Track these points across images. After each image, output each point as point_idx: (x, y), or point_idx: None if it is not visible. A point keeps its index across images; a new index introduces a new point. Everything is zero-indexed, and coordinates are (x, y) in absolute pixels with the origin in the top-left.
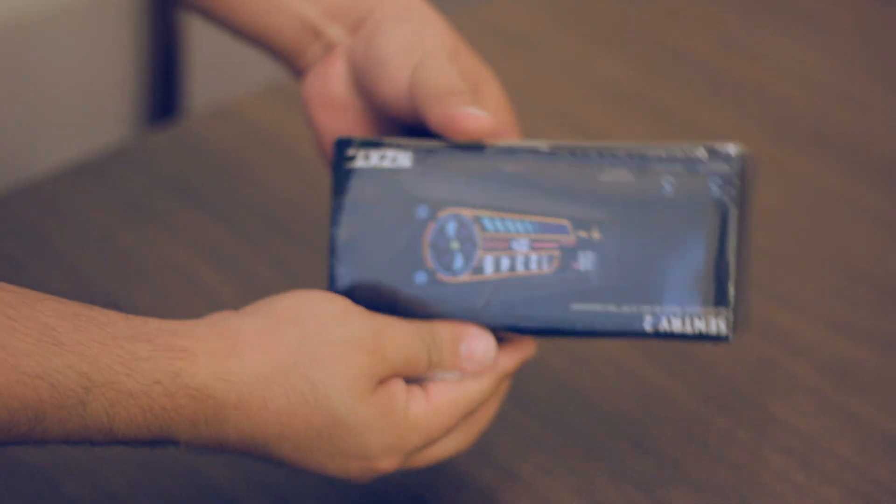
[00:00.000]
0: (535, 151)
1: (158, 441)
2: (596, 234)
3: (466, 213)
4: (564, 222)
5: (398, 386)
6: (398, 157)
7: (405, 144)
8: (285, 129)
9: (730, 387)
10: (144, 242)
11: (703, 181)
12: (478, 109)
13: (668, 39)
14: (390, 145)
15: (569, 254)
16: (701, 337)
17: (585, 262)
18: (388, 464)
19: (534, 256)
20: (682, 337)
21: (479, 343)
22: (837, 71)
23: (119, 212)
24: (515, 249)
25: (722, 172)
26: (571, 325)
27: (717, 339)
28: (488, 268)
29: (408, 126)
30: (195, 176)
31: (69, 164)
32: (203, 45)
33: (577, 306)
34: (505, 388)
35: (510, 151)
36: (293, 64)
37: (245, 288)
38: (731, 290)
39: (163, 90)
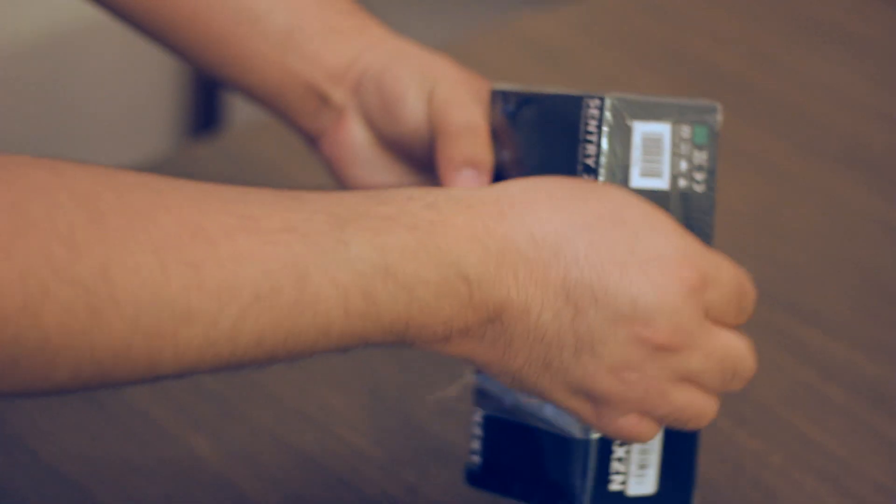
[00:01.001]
0: None
1: (450, 284)
2: None
3: None
4: None
5: None
6: None
7: None
8: (284, 147)
9: (763, 409)
10: None
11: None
12: (473, 172)
13: (703, 54)
14: None
15: None
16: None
17: None
18: (688, 271)
19: None
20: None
21: None
22: (870, 88)
23: None
24: None
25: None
26: None
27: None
28: None
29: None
30: None
31: None
32: None
33: None
34: None
35: None
36: (303, 127)
37: None
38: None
39: (205, 103)
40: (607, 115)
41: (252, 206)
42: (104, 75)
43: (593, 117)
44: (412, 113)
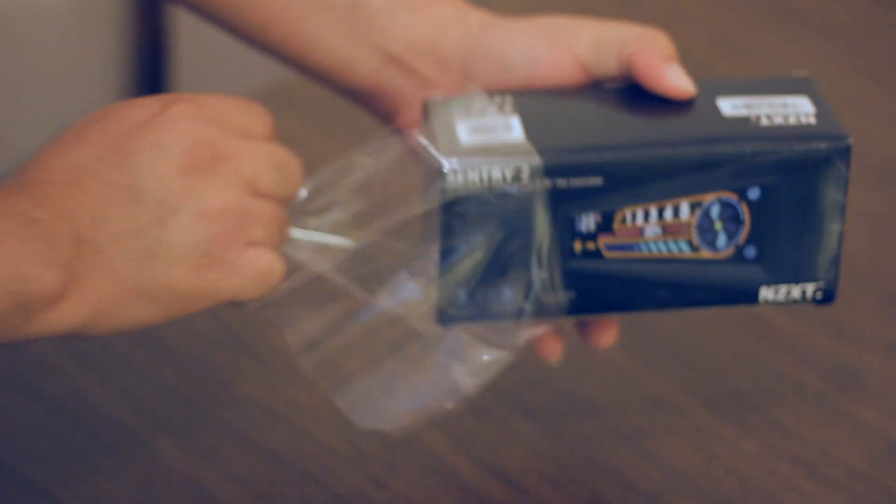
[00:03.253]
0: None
1: (24, 228)
2: None
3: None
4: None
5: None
6: None
7: None
8: (278, 132)
9: (735, 395)
10: None
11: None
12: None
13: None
14: None
15: None
16: None
17: None
18: (178, 108)
19: None
20: None
21: None
22: (836, 73)
23: None
24: None
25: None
26: None
27: None
28: None
29: None
30: None
31: None
32: (191, 46)
33: None
34: None
35: None
36: (375, 102)
37: None
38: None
39: (150, 92)
40: None
41: None
42: (45, 63)
43: None
44: (557, 55)
